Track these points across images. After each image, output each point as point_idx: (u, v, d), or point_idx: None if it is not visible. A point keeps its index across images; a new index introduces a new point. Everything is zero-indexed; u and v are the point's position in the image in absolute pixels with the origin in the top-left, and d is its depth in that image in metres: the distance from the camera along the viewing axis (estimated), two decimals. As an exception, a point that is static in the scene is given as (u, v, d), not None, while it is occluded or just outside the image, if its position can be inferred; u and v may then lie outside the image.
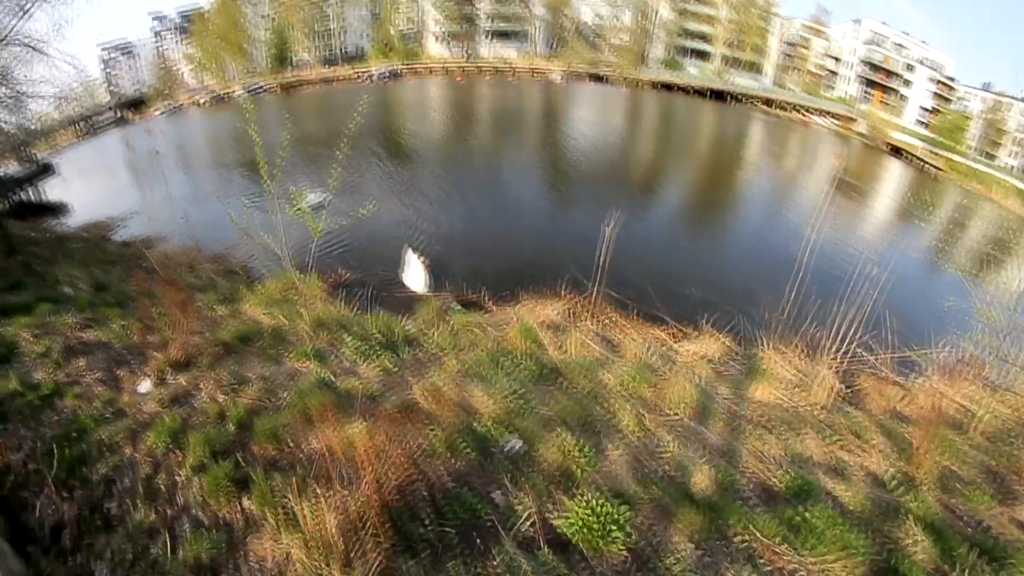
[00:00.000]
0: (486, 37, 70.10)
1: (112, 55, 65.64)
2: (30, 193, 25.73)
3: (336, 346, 8.68)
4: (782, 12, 64.21)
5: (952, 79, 59.25)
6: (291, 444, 4.85)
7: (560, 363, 8.52)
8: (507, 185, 24.72)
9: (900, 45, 61.08)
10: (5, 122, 17.11)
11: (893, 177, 39.58)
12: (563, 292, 11.81)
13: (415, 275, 13.85)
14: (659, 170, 29.81)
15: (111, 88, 64.99)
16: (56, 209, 24.88)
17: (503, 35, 69.98)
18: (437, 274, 14.09)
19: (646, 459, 6.16)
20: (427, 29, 71.11)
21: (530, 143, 34.75)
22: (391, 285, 13.84)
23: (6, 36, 14.63)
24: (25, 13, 14.60)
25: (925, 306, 14.72)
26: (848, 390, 9.13)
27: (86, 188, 28.84)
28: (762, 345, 10.08)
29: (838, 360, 9.39)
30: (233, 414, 5.59)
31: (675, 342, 10.54)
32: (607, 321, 10.93)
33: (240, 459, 4.79)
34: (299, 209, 11.48)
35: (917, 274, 19.51)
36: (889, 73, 61.07)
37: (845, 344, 9.34)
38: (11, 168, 25.66)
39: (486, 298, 12.54)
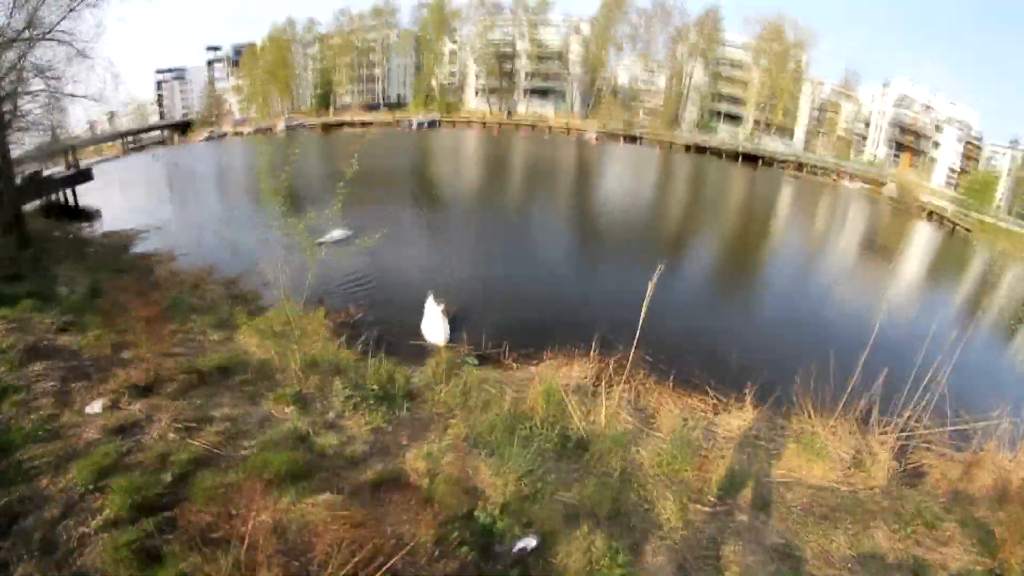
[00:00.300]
0: (524, 94, 71.69)
1: (165, 78, 68.68)
2: (65, 195, 25.89)
3: (325, 392, 7.62)
4: (813, 75, 64.25)
5: (979, 138, 58.11)
6: (235, 512, 3.66)
7: (587, 434, 7.29)
8: (537, 239, 23.98)
9: (928, 106, 60.62)
10: (36, 117, 17.23)
11: (923, 239, 38.46)
12: (592, 353, 10.47)
13: (434, 325, 12.77)
14: (691, 231, 29.06)
15: (161, 110, 67.66)
16: (86, 214, 24.98)
17: (541, 92, 71.60)
18: (458, 323, 12.97)
19: (692, 565, 4.85)
20: (467, 83, 73.15)
21: (562, 199, 34.51)
22: (405, 331, 12.74)
23: (51, 30, 14.73)
24: (71, 11, 14.77)
25: (973, 372, 13.22)
26: (904, 468, 8.13)
27: (118, 198, 29.38)
28: (809, 418, 8.85)
29: (891, 433, 8.42)
30: (177, 458, 4.48)
31: (715, 413, 9.21)
32: (640, 387, 9.58)
33: (162, 522, 3.65)
34: (296, 234, 10.58)
35: (957, 339, 17.97)
36: (918, 135, 60.48)
37: (896, 416, 8.46)
38: (52, 169, 26.06)
39: (506, 353, 11.29)
